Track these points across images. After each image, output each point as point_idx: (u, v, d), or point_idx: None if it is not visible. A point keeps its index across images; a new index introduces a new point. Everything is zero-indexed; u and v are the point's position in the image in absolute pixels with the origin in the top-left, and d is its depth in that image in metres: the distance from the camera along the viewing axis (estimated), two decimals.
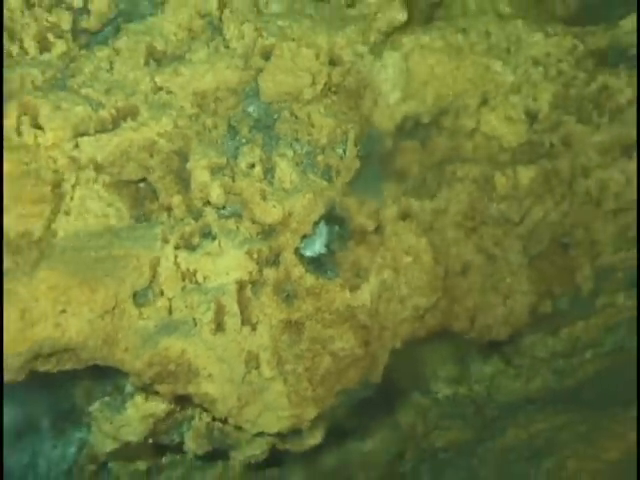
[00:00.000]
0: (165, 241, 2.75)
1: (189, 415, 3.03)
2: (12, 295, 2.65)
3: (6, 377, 2.70)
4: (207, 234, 2.81)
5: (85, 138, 2.73)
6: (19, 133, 2.70)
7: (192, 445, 3.09)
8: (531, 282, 3.08)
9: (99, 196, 2.85)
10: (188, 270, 2.75)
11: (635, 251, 3.44)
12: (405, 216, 2.96)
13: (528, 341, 3.19)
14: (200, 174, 2.82)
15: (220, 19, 2.90)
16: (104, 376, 2.84)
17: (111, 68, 2.91)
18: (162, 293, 2.80)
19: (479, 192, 3.03)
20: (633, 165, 3.36)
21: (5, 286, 2.71)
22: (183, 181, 2.89)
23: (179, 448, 3.16)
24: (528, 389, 3.10)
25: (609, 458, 2.73)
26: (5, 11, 2.91)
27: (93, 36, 2.97)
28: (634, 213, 3.36)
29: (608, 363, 3.16)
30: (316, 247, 2.97)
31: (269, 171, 2.83)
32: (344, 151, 2.93)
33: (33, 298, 2.62)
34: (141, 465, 3.10)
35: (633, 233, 3.42)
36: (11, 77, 2.87)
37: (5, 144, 2.81)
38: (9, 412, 3.31)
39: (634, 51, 3.37)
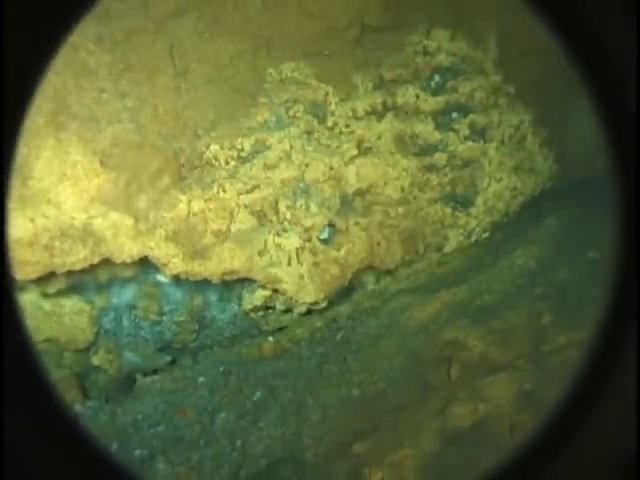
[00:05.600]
0: (269, 233, 3.28)
1: (278, 295, 3.44)
2: (215, 253, 3.17)
3: (215, 281, 3.21)
4: (285, 230, 3.30)
5: (241, 195, 3.23)
6: (218, 193, 3.16)
7: (279, 306, 3.49)
8: (401, 248, 3.54)
9: (246, 216, 3.27)
10: (278, 243, 3.29)
11: (439, 236, 3.55)
12: (356, 224, 3.42)
13: (401, 270, 3.63)
14: (282, 208, 3.28)
15: (290, 153, 3.30)
16: (247, 282, 3.44)
17: (251, 170, 3.26)
18: (268, 251, 3.26)
19: (384, 216, 3.49)
20: (445, 208, 3.54)
21: (211, 249, 3.16)
22: (276, 211, 3.30)
23: (274, 307, 3.52)
24: (399, 287, 3.55)
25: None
26: (209, 150, 3.19)
27: (244, 159, 3.25)
28: (439, 224, 3.53)
29: (425, 278, 3.52)
30: (325, 235, 3.38)
31: (307, 208, 3.31)
32: (334, 200, 3.37)
33: (223, 253, 3.19)
34: (260, 313, 3.59)
35: (440, 232, 3.56)
36: (215, 173, 3.18)
37: (213, 197, 3.11)
38: (216, 295, 3.55)
39: (441, 163, 3.50)
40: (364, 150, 3.49)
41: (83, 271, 3.04)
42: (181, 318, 3.52)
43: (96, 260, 3.02)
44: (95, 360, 3.42)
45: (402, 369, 3.00)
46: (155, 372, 3.49)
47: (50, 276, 3.03)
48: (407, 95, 3.55)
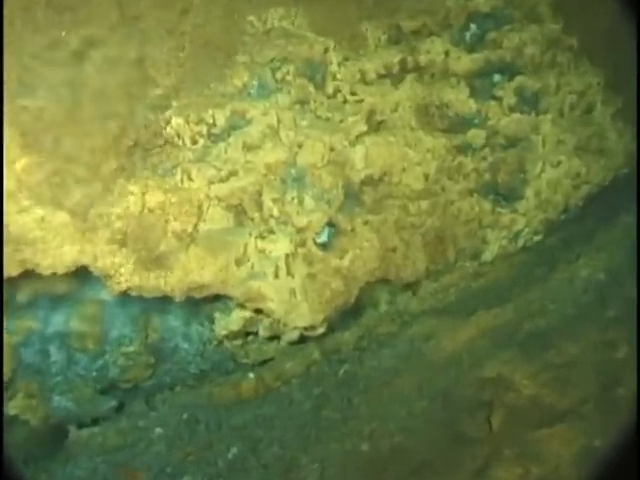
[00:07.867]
0: (250, 235, 3.21)
1: (261, 317, 3.37)
2: (177, 261, 3.11)
3: (177, 299, 3.16)
4: (271, 231, 3.23)
5: (213, 185, 3.16)
6: (182, 182, 3.10)
7: (263, 332, 3.41)
8: (425, 255, 3.47)
9: (219, 213, 3.20)
10: (261, 249, 3.21)
11: (475, 240, 3.55)
12: (365, 223, 3.34)
13: (424, 284, 3.62)
14: (267, 202, 3.20)
15: (278, 129, 3.23)
16: (220, 300, 3.36)
17: (226, 152, 3.18)
18: (248, 259, 3.21)
19: (401, 212, 3.41)
20: (484, 202, 3.54)
21: (173, 256, 3.12)
22: (259, 205, 3.23)
23: (257, 334, 3.45)
24: (423, 307, 3.56)
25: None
26: (170, 125, 3.12)
27: (216, 137, 3.19)
28: (475, 223, 3.55)
29: (457, 295, 3.55)
30: (323, 238, 3.31)
31: (301, 202, 3.23)
32: (336, 192, 3.28)
33: (189, 262, 3.12)
34: (238, 342, 3.53)
35: (476, 233, 3.55)
36: (179, 155, 3.13)
37: (175, 187, 3.07)
38: (179, 317, 3.53)
39: (478, 143, 3.50)
40: (376, 125, 3.45)
41: None
42: (131, 349, 3.44)
43: (15, 272, 2.89)
44: (11, 407, 3.33)
45: (426, 416, 3.00)
46: (95, 422, 3.41)
47: None
48: (433, 52, 3.52)
